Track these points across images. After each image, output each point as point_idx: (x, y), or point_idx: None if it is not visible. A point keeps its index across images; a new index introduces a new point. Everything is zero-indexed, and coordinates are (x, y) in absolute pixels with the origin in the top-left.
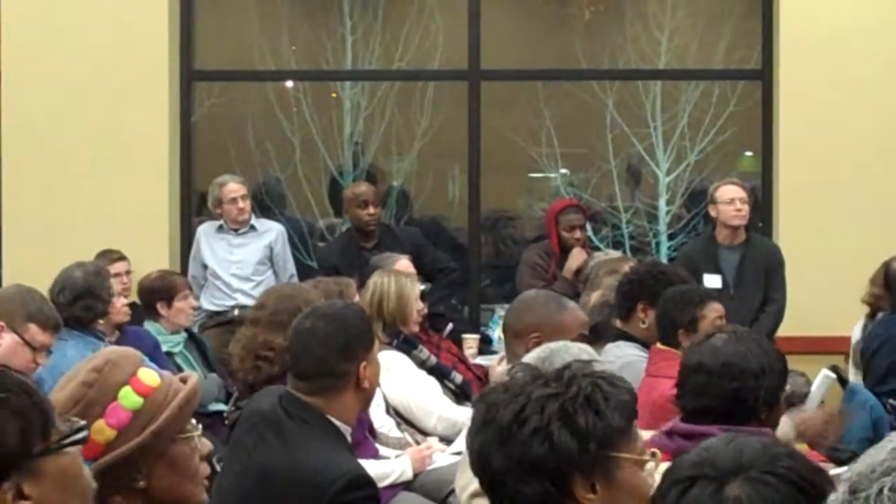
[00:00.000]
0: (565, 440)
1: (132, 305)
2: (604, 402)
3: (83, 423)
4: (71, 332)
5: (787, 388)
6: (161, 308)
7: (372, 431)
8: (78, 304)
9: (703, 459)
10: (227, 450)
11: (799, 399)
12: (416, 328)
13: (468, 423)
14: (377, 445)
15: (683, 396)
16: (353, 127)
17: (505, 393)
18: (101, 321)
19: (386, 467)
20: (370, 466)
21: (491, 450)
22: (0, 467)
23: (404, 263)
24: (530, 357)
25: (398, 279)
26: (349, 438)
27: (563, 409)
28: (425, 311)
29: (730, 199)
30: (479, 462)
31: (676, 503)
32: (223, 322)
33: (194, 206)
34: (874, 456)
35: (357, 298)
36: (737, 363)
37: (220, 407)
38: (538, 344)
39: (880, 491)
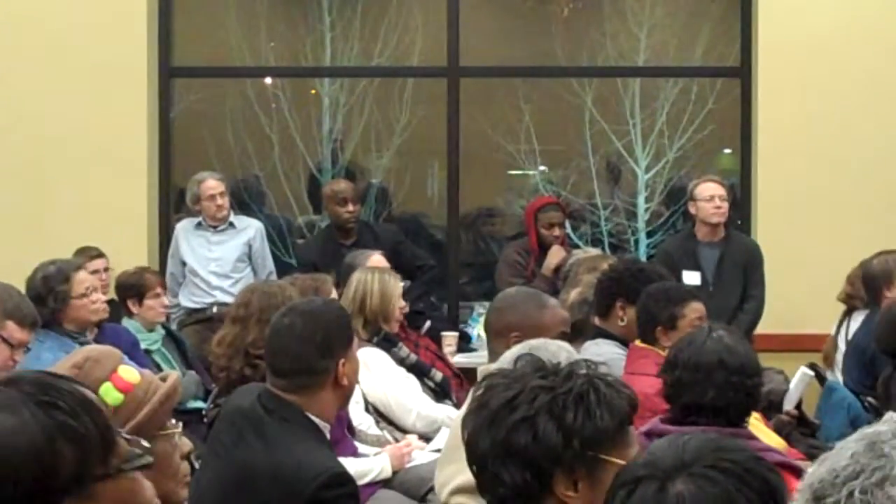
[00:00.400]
0: (549, 433)
1: (111, 302)
2: (596, 403)
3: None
4: (48, 333)
5: (767, 386)
6: (132, 305)
7: (351, 429)
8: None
9: (648, 460)
10: (205, 447)
11: (777, 397)
12: (396, 326)
13: (447, 420)
14: (356, 443)
15: (688, 395)
16: (331, 124)
17: (504, 379)
18: (67, 322)
19: (365, 465)
20: (349, 464)
21: (480, 433)
22: (53, 494)
23: (377, 258)
24: (509, 355)
25: (382, 277)
26: (328, 436)
27: (552, 403)
28: (406, 309)
29: (709, 197)
30: (469, 445)
31: None
32: (202, 319)
33: (173, 202)
34: (834, 461)
35: (333, 294)
36: (750, 361)
37: (199, 404)
38: (519, 342)
39: (850, 495)
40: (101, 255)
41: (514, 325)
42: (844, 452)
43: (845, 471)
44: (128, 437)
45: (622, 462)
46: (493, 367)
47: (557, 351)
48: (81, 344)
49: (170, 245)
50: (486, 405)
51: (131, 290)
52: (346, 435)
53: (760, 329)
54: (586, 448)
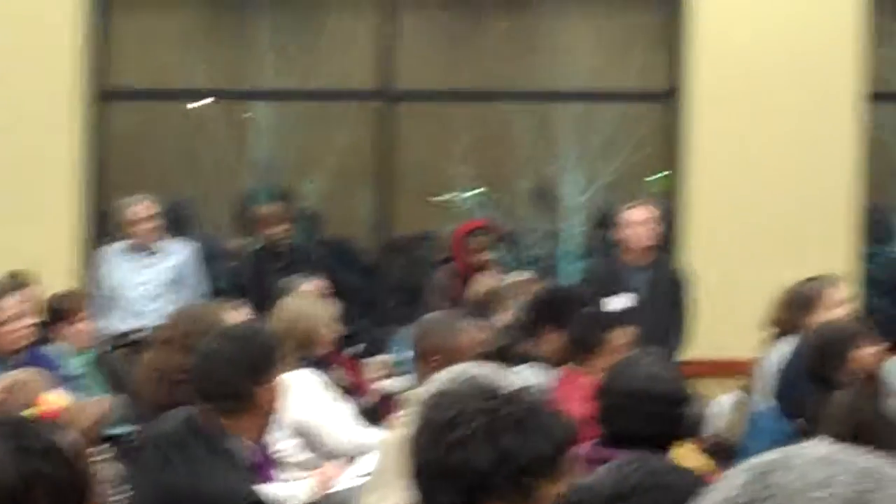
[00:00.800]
0: (483, 456)
1: (39, 325)
2: (533, 429)
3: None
4: None
5: (696, 411)
6: (61, 328)
7: (274, 453)
8: None
9: (590, 487)
10: (131, 472)
11: (701, 421)
12: (327, 350)
13: (376, 445)
14: (279, 468)
15: (618, 422)
16: (265, 147)
17: (447, 399)
18: None
19: (289, 489)
20: (273, 488)
21: (419, 452)
22: None
23: (314, 284)
24: (439, 378)
25: (315, 300)
26: (252, 460)
27: (490, 426)
28: (339, 333)
29: (639, 220)
30: (411, 462)
31: None
32: (131, 343)
33: (105, 225)
34: (726, 491)
35: (236, 320)
36: (677, 389)
37: (126, 429)
38: (439, 366)
39: None
40: (30, 279)
41: (433, 348)
42: (735, 481)
43: (739, 499)
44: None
45: (556, 489)
46: (424, 391)
47: (490, 374)
48: (9, 368)
49: (100, 268)
50: (427, 424)
51: (60, 312)
52: (269, 459)
53: (689, 354)
54: (520, 473)
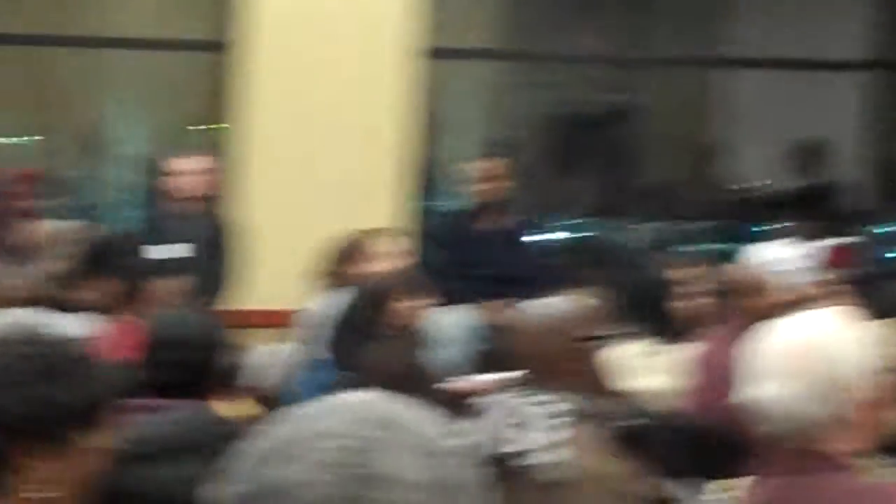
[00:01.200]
0: (17, 403)
1: None
2: (73, 377)
3: None
4: None
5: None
6: None
7: None
8: None
9: (141, 438)
10: None
11: (239, 372)
12: None
13: None
14: None
15: (159, 371)
16: None
17: None
18: None
19: None
20: None
21: None
22: None
23: None
24: None
25: None
26: None
27: (25, 373)
28: None
29: (188, 170)
30: None
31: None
32: None
33: None
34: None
35: None
36: (216, 338)
37: None
38: None
39: None
40: None
41: None
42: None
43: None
44: None
45: (96, 440)
46: None
47: (33, 321)
48: None
49: None
50: None
51: None
52: None
53: (240, 305)
54: (55, 423)
